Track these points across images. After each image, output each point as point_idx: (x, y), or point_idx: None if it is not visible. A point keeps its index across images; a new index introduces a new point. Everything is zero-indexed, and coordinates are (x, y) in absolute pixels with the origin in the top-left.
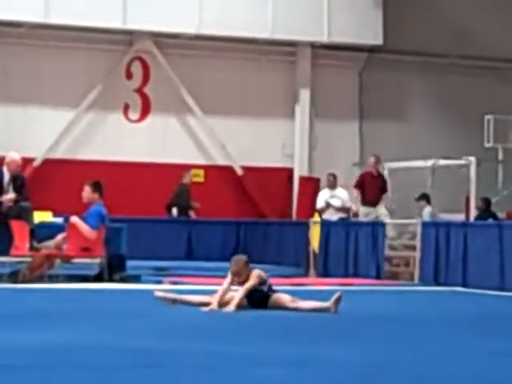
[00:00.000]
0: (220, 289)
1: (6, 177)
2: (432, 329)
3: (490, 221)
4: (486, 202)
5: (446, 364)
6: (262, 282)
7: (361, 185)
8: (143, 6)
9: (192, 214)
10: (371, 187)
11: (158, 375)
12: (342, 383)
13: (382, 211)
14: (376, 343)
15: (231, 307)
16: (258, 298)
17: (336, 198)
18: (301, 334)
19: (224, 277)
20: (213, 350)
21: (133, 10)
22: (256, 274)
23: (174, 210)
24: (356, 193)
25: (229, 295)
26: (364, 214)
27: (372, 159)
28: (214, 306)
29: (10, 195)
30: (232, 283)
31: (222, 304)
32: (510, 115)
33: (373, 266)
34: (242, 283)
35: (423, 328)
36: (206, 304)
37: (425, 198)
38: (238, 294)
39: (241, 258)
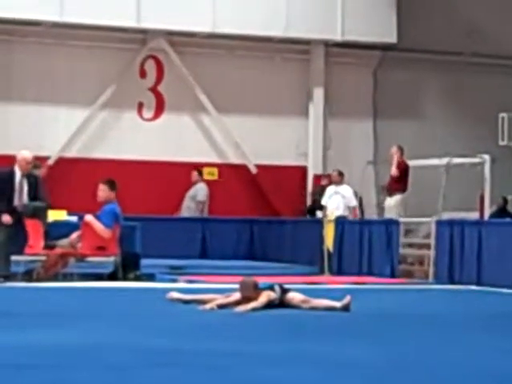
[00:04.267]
0: (227, 298)
1: (18, 175)
2: (446, 327)
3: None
4: (505, 201)
5: (459, 362)
6: (271, 301)
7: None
8: (157, 4)
9: (319, 214)
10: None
11: (173, 374)
12: (356, 382)
13: (387, 202)
14: (390, 342)
15: (247, 307)
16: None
17: (335, 198)
18: (314, 333)
19: (237, 275)
20: (227, 350)
21: (147, 8)
22: (266, 294)
23: (319, 213)
24: None
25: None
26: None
27: (393, 150)
28: (214, 305)
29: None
30: (240, 303)
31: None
32: None
33: (387, 265)
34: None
35: (437, 326)
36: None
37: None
38: (252, 304)
39: (249, 281)
